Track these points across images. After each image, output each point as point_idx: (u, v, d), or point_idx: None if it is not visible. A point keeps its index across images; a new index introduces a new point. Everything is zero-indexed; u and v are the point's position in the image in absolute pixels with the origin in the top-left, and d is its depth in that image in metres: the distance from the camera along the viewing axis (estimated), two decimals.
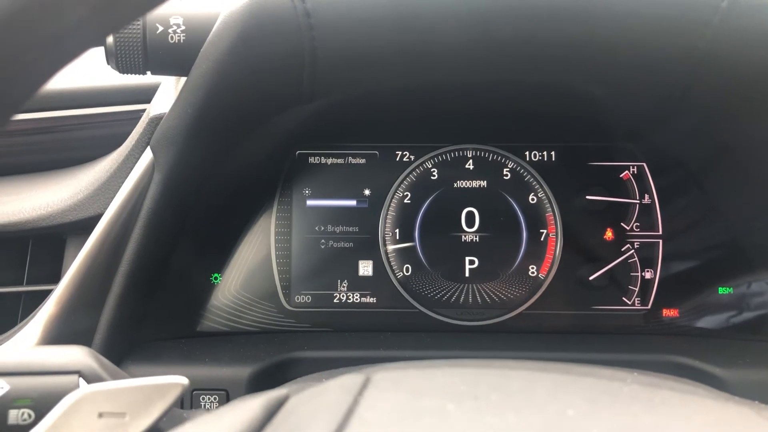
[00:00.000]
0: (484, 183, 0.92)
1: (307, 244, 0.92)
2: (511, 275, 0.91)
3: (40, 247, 0.82)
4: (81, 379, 0.48)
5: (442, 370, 0.36)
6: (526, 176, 0.92)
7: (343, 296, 0.92)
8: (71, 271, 0.74)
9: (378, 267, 0.92)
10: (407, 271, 0.91)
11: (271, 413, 0.32)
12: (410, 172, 0.92)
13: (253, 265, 0.91)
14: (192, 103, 0.68)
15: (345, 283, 0.92)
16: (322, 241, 0.92)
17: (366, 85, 0.78)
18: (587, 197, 0.91)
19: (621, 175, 0.91)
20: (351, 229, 0.92)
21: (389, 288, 0.92)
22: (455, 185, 0.92)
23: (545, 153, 0.92)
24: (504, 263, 0.91)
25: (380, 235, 0.91)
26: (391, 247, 0.91)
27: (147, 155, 0.74)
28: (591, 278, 0.91)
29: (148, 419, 0.38)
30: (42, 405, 0.46)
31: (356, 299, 0.92)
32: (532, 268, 0.91)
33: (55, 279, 0.79)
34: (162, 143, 0.71)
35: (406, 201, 0.92)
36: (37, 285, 0.81)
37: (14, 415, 0.45)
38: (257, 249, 0.91)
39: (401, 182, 0.92)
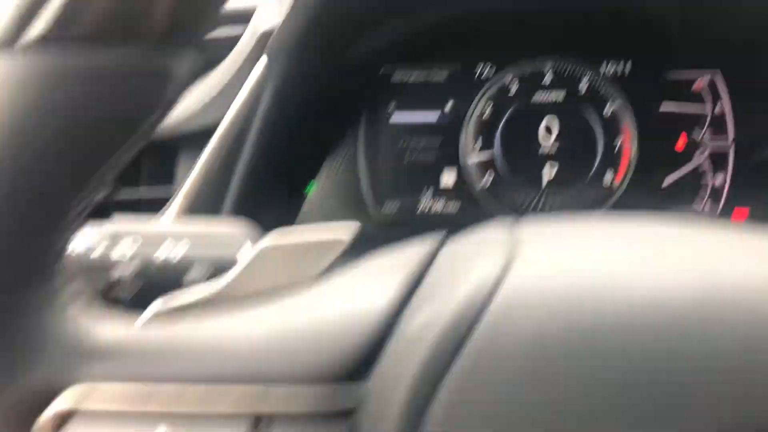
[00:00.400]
0: (561, 95, 0.96)
1: (393, 157, 0.97)
2: (587, 183, 0.96)
3: (153, 157, 0.88)
4: (245, 246, 0.54)
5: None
6: (602, 87, 0.96)
7: (427, 205, 0.97)
8: (190, 179, 0.80)
9: (460, 177, 0.97)
10: (488, 180, 0.97)
11: (435, 253, 0.36)
12: (491, 86, 0.96)
13: (343, 177, 0.97)
14: (305, 15, 0.73)
15: (429, 193, 0.97)
16: (407, 153, 0.97)
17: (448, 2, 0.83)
18: (662, 106, 0.95)
19: (695, 85, 0.95)
20: (434, 141, 0.97)
21: (471, 197, 0.97)
22: (534, 98, 0.96)
23: (621, 64, 0.96)
24: (580, 171, 0.96)
25: (461, 147, 0.96)
26: (472, 158, 0.96)
27: (260, 66, 0.79)
28: (663, 185, 0.95)
29: (323, 264, 0.44)
30: (215, 266, 0.52)
31: (440, 208, 0.97)
32: (608, 175, 0.96)
33: (169, 190, 0.85)
34: (276, 53, 0.77)
35: (486, 113, 0.96)
36: (153, 193, 0.87)
37: (193, 274, 0.52)
38: (347, 161, 0.97)
39: (482, 95, 0.96)
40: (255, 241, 0.55)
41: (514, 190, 0.96)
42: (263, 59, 0.79)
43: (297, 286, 0.39)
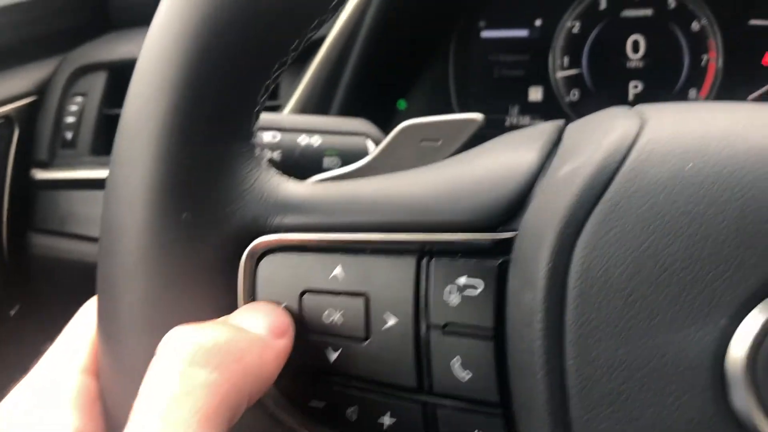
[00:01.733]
0: (649, 11, 0.98)
1: (482, 72, 1.01)
2: (673, 98, 0.98)
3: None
4: (368, 140, 0.60)
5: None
6: (689, 5, 0.97)
7: (514, 119, 1.02)
8: (300, 87, 0.85)
9: (547, 92, 1.01)
10: (575, 95, 1.00)
11: (558, 137, 0.41)
12: (579, 3, 0.99)
13: (434, 92, 1.01)
14: None
15: (516, 108, 1.01)
16: (496, 68, 1.01)
17: None
18: (749, 22, 0.96)
19: None
20: (522, 57, 1.01)
21: (558, 112, 1.01)
22: (622, 14, 0.98)
23: None
24: (666, 87, 0.99)
25: (550, 63, 1.00)
26: (560, 74, 1.00)
27: None
28: (749, 98, 0.97)
29: (456, 143, 0.49)
30: (345, 155, 0.58)
31: (526, 123, 1.01)
32: (693, 91, 0.98)
33: (275, 102, 0.91)
34: None
35: (575, 30, 0.99)
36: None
37: (327, 162, 0.58)
38: (439, 77, 1.01)
39: (571, 12, 0.99)
40: (377, 137, 0.60)
41: (601, 105, 0.98)
42: None
43: (434, 161, 0.44)
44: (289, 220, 0.38)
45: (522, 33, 1.00)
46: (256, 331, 0.35)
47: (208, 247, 0.37)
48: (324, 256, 0.38)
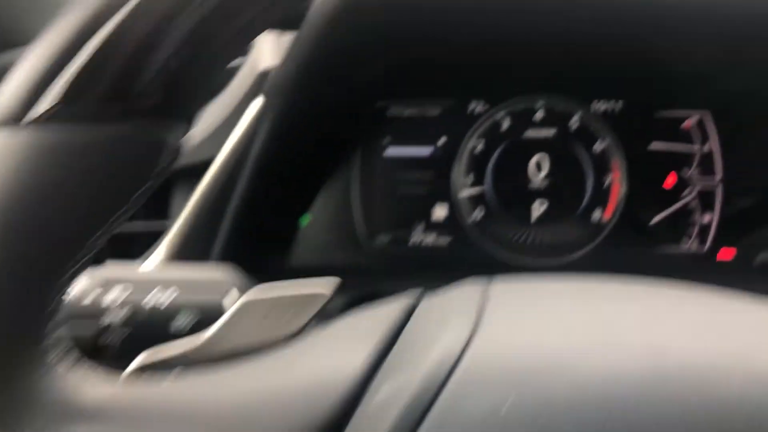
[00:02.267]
0: (552, 132, 0.98)
1: (386, 191, 0.99)
2: (577, 218, 0.97)
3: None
4: (233, 292, 0.56)
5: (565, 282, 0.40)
6: (592, 126, 0.97)
7: (418, 238, 0.99)
8: (183, 215, 0.81)
9: (451, 211, 0.98)
10: (478, 215, 0.98)
11: (407, 317, 0.38)
12: (483, 122, 0.98)
13: (337, 209, 0.98)
14: (303, 56, 0.75)
15: (421, 226, 0.99)
16: (400, 187, 0.99)
17: (444, 39, 0.84)
18: (651, 145, 0.97)
19: (684, 124, 0.97)
20: (426, 175, 0.99)
21: (462, 231, 0.98)
22: (525, 134, 0.98)
23: (611, 103, 0.98)
24: (570, 208, 0.98)
25: (453, 182, 0.98)
26: (463, 192, 0.98)
27: (256, 105, 0.81)
28: (652, 222, 0.97)
29: (304, 318, 0.45)
30: (202, 312, 0.54)
31: (431, 241, 0.99)
32: (597, 212, 0.97)
33: (164, 224, 0.87)
34: (274, 92, 0.79)
35: (478, 149, 0.98)
36: (148, 228, 0.89)
37: (179, 322, 0.53)
38: (342, 194, 0.98)
39: (474, 131, 0.98)
40: (241, 287, 0.56)
41: (504, 225, 0.98)
42: (260, 98, 0.81)
43: (276, 344, 0.40)
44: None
45: (426, 151, 0.99)
46: None
47: None
48: None
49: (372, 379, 0.33)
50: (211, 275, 0.56)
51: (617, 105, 0.98)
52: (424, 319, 0.36)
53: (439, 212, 0.99)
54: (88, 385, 0.35)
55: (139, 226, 0.88)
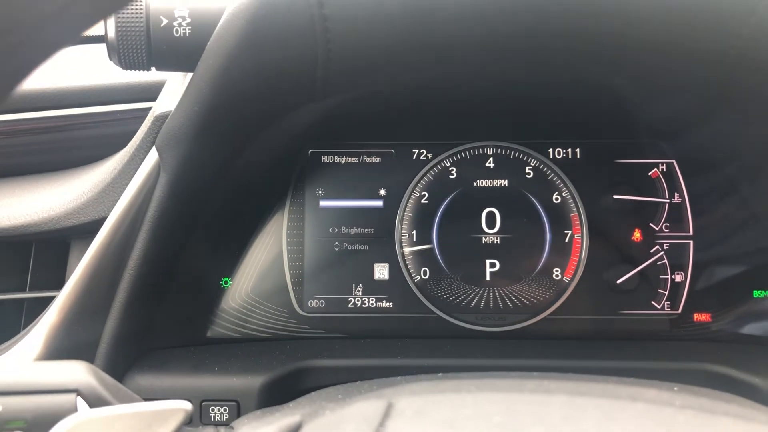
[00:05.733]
0: (505, 182, 0.88)
1: (321, 247, 0.88)
2: (534, 278, 0.87)
3: (43, 252, 0.79)
4: (79, 398, 0.45)
5: (470, 393, 0.32)
6: (549, 174, 0.87)
7: (358, 301, 0.88)
8: (74, 277, 0.70)
9: (394, 270, 0.88)
10: (425, 274, 0.87)
11: None
12: (428, 171, 0.88)
13: (264, 269, 0.87)
14: (198, 101, 0.65)
15: (360, 287, 0.88)
16: (336, 243, 0.88)
17: (382, 82, 0.75)
18: (614, 196, 0.87)
19: (649, 173, 0.87)
20: (366, 230, 0.88)
21: (406, 292, 0.88)
22: (475, 184, 0.88)
23: (570, 150, 0.88)
24: (527, 266, 0.87)
25: (396, 237, 0.87)
26: (407, 250, 0.87)
27: (152, 155, 0.70)
28: (618, 281, 0.86)
29: None
30: (37, 427, 0.42)
31: (372, 304, 0.88)
32: (557, 270, 0.87)
33: (59, 285, 0.75)
34: (168, 143, 0.68)
35: (423, 201, 0.88)
36: (40, 291, 0.78)
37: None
38: (269, 251, 0.87)
39: (418, 181, 0.88)
40: (92, 392, 0.45)
41: (453, 286, 0.87)
42: (152, 152, 0.71)
43: None
44: None
45: (365, 203, 0.88)
46: None
47: None
48: None
49: None
50: (55, 377, 0.45)
51: (576, 152, 0.88)
52: None
53: (381, 272, 0.88)
54: None
55: (30, 293, 0.77)
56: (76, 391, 0.44)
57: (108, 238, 0.70)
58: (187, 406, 0.36)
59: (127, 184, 0.70)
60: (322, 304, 0.88)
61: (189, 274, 0.79)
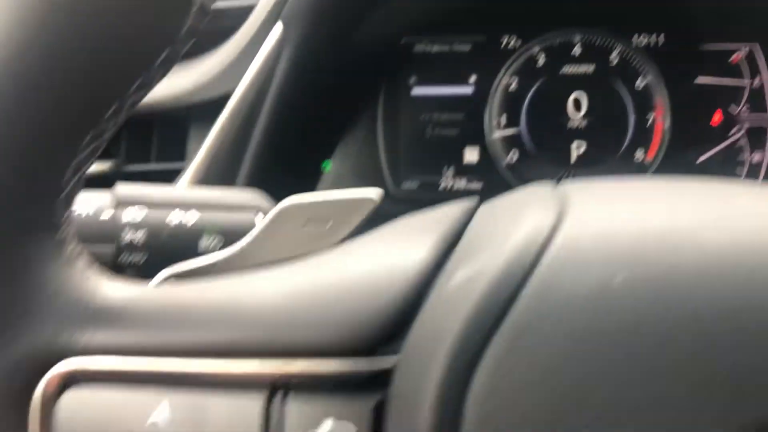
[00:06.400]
0: (591, 68, 0.92)
1: (413, 132, 0.93)
2: (618, 160, 0.92)
3: (165, 130, 0.85)
4: (260, 215, 0.51)
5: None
6: (633, 60, 0.91)
7: (449, 182, 0.93)
8: (201, 152, 0.76)
9: (484, 153, 0.93)
10: (513, 157, 0.93)
11: (471, 213, 0.32)
12: (517, 58, 0.92)
13: (361, 153, 0.93)
14: None
15: (451, 170, 0.93)
16: (428, 128, 0.93)
17: None
18: (696, 80, 0.91)
19: (731, 57, 0.90)
20: (457, 116, 0.93)
21: (495, 174, 0.93)
22: (562, 71, 0.92)
23: (653, 36, 0.91)
24: (610, 148, 0.92)
25: (486, 122, 0.92)
26: (497, 134, 0.92)
27: (275, 32, 0.75)
28: (698, 161, 0.91)
29: (348, 226, 0.40)
30: (229, 234, 0.49)
31: (462, 186, 0.94)
32: (639, 152, 0.91)
33: (180, 165, 0.81)
34: (292, 20, 0.73)
35: (512, 87, 0.92)
36: (163, 168, 0.84)
37: (205, 242, 0.48)
38: (365, 136, 0.93)
39: (508, 68, 0.92)
40: (268, 209, 0.51)
41: (541, 167, 0.92)
42: (278, 26, 0.76)
43: (320, 249, 0.35)
44: (102, 337, 0.28)
45: (456, 90, 0.93)
46: None
47: None
48: (145, 391, 0.28)
49: (442, 267, 0.28)
50: (237, 197, 0.51)
51: (660, 38, 0.91)
52: (496, 210, 0.31)
53: (471, 155, 0.93)
54: (110, 288, 0.30)
55: (154, 166, 0.83)
56: (258, 209, 0.50)
57: (234, 112, 0.75)
58: (378, 192, 0.42)
59: (250, 61, 0.76)
60: (415, 185, 0.94)
61: (299, 151, 0.84)
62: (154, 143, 0.85)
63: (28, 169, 0.28)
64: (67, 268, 0.29)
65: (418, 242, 0.29)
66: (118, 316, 0.29)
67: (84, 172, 0.29)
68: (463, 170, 0.93)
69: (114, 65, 0.28)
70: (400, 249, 0.30)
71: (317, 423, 0.27)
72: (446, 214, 0.32)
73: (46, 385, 0.28)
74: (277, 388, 0.27)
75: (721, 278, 0.23)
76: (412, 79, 0.93)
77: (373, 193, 0.41)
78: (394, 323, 0.27)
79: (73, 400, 0.28)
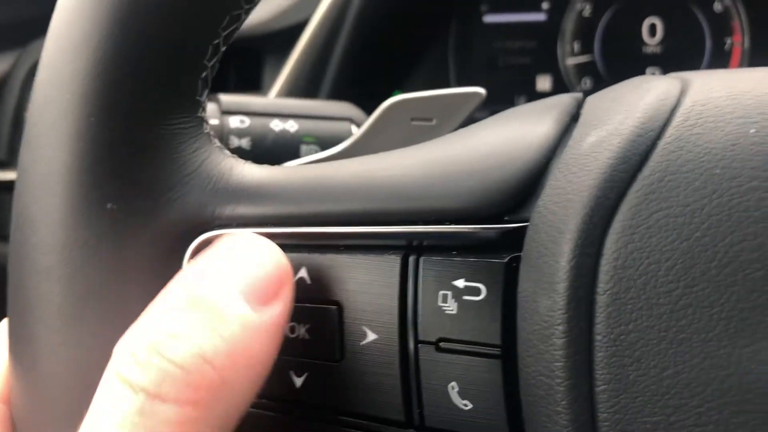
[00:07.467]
0: None
1: (485, 60, 0.93)
2: None
3: (241, 60, 0.87)
4: (353, 125, 0.52)
5: None
6: None
7: None
8: (280, 79, 0.78)
9: (557, 81, 0.93)
10: (587, 84, 0.92)
11: (577, 109, 0.33)
12: None
13: (434, 82, 0.94)
14: None
15: (523, 99, 0.94)
16: (500, 56, 0.93)
17: None
18: None
19: None
20: (529, 43, 0.93)
21: None
22: None
23: None
24: None
25: (559, 49, 0.92)
26: (570, 61, 0.92)
27: None
28: None
29: (453, 122, 0.41)
30: (325, 142, 0.50)
31: None
32: None
33: (257, 93, 0.84)
34: None
35: (585, 13, 0.91)
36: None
37: (305, 150, 0.50)
38: (438, 65, 0.93)
39: None
40: (362, 122, 0.53)
41: None
42: None
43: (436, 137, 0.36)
44: (243, 210, 0.30)
45: (528, 17, 0.92)
46: (233, 308, 0.26)
47: (142, 244, 0.30)
48: (286, 256, 0.30)
49: (565, 138, 0.29)
50: (331, 108, 0.52)
51: None
52: (610, 94, 0.32)
53: (543, 83, 0.93)
54: (246, 166, 0.32)
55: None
56: (350, 119, 0.52)
57: (312, 39, 0.76)
58: (481, 90, 0.43)
59: None
60: (486, 115, 0.94)
61: (374, 77, 0.86)
62: (231, 73, 0.87)
63: (176, 46, 0.29)
64: (206, 147, 0.31)
65: (540, 119, 0.31)
66: (256, 192, 0.31)
67: (220, 55, 0.31)
68: (535, 99, 0.93)
69: None
70: (522, 124, 0.31)
71: (449, 284, 0.28)
72: (561, 99, 0.33)
73: (193, 254, 0.30)
74: (411, 251, 0.29)
75: None
76: (484, 6, 0.93)
77: (477, 88, 0.42)
78: (522, 190, 0.28)
79: None
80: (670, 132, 0.25)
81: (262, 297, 0.27)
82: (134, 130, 0.29)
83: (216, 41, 0.30)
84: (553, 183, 0.28)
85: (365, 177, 0.30)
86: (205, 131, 0.31)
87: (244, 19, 0.32)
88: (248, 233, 0.29)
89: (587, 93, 0.90)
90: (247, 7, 0.31)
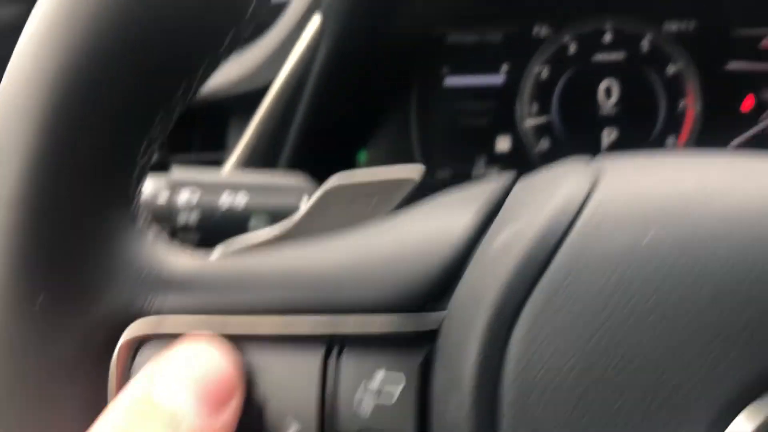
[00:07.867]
0: (621, 55, 0.93)
1: (446, 122, 0.95)
2: (649, 146, 0.93)
3: (206, 121, 0.88)
4: (305, 197, 0.53)
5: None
6: (664, 47, 0.92)
7: (481, 171, 0.95)
8: (242, 142, 0.79)
9: (516, 142, 0.95)
10: (544, 145, 0.94)
11: (509, 185, 0.34)
12: (548, 47, 0.94)
13: (395, 143, 0.95)
14: None
15: (483, 159, 0.95)
16: (460, 118, 0.95)
17: None
18: (727, 66, 0.92)
19: (762, 43, 0.91)
20: (488, 105, 0.95)
21: (527, 162, 0.95)
22: (593, 58, 0.93)
23: (684, 22, 0.92)
24: (641, 135, 0.93)
25: (518, 111, 0.94)
26: (528, 122, 0.94)
27: (313, 24, 0.78)
28: (730, 145, 0.92)
29: (392, 203, 0.42)
30: (276, 215, 0.51)
31: (494, 174, 0.95)
32: (670, 138, 0.92)
33: (221, 156, 0.85)
34: (331, 10, 0.75)
35: (543, 76, 0.94)
36: (205, 159, 0.87)
37: (254, 223, 0.51)
38: (399, 126, 0.95)
39: (539, 57, 0.94)
40: (313, 192, 0.54)
41: (572, 154, 0.93)
42: (316, 19, 0.78)
43: (367, 223, 0.38)
44: (172, 300, 0.31)
45: (488, 80, 0.95)
46: (183, 411, 0.27)
47: (72, 337, 0.30)
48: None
49: (484, 232, 0.30)
50: (282, 181, 0.53)
51: (690, 24, 0.92)
52: (533, 182, 0.33)
53: (503, 143, 0.95)
54: (177, 258, 0.33)
55: (196, 157, 0.87)
56: (303, 191, 0.53)
57: (274, 103, 0.78)
58: (415, 175, 0.44)
59: (289, 52, 0.78)
60: (447, 174, 0.96)
61: (335, 142, 0.87)
62: (196, 134, 0.88)
63: (107, 146, 0.30)
64: (140, 238, 0.32)
65: (462, 210, 0.32)
66: (187, 282, 0.31)
67: (155, 149, 0.32)
68: (495, 159, 0.95)
69: (187, 42, 0.31)
70: (446, 215, 0.32)
71: (370, 374, 0.29)
72: (487, 187, 0.34)
73: (123, 345, 0.31)
74: (333, 343, 0.30)
75: (742, 237, 0.25)
76: (445, 70, 0.95)
77: (412, 171, 0.43)
78: (441, 282, 0.29)
79: (149, 355, 0.31)
80: (572, 237, 0.26)
81: (216, 401, 0.28)
82: (67, 225, 0.30)
83: (149, 138, 0.31)
84: (467, 277, 0.29)
85: (288, 267, 0.31)
86: (139, 223, 0.32)
87: (181, 111, 0.33)
88: (203, 336, 0.30)
89: (544, 154, 0.92)
90: (180, 103, 0.32)
